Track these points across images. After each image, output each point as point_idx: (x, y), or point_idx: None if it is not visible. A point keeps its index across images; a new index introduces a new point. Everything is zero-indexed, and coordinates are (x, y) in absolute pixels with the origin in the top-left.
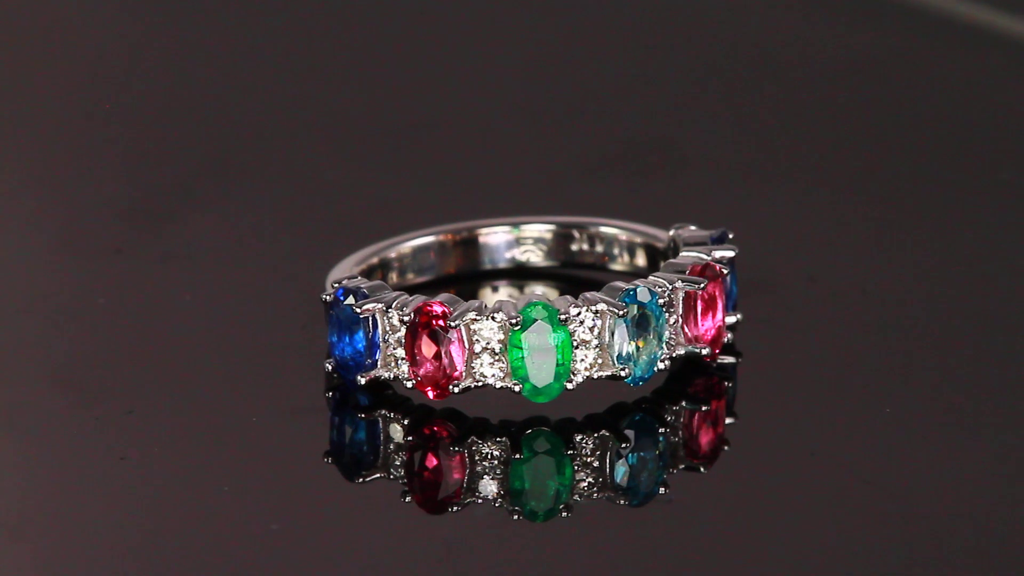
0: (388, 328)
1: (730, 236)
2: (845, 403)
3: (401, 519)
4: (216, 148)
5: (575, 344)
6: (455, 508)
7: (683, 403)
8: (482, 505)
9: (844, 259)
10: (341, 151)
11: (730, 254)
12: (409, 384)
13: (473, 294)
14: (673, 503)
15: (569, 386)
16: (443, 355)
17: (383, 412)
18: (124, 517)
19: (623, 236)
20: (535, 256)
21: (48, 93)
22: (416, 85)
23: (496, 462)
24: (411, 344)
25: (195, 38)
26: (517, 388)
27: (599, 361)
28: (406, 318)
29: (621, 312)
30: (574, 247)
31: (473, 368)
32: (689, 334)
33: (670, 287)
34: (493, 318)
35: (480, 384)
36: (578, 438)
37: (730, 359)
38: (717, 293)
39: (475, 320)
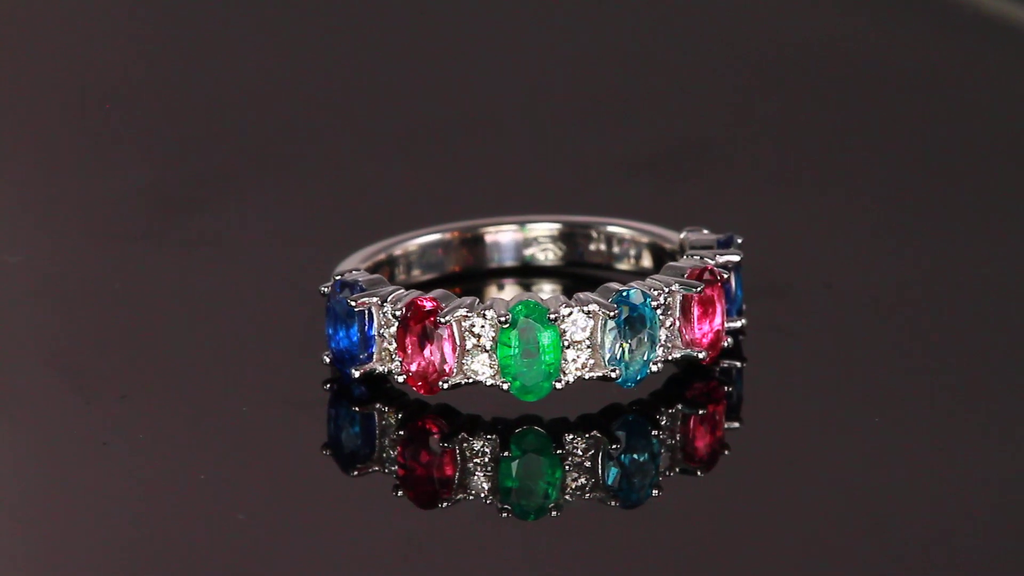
0: (383, 322)
1: (739, 241)
2: (849, 411)
3: (378, 515)
4: (246, 143)
5: (566, 344)
6: (445, 504)
7: (679, 406)
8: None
9: (865, 268)
10: (376, 147)
11: (734, 259)
12: (400, 379)
13: (479, 292)
14: (663, 505)
15: (558, 385)
16: (433, 351)
17: (378, 406)
18: (107, 504)
19: (631, 236)
20: (552, 254)
21: (89, 82)
22: (458, 84)
23: (486, 459)
24: (402, 339)
25: (230, 41)
26: (506, 386)
27: (591, 361)
28: (397, 312)
29: (612, 313)
30: (591, 247)
31: (465, 365)
32: (686, 337)
33: (666, 290)
34: (484, 315)
35: (471, 381)
36: (569, 438)
37: (734, 364)
38: (716, 297)
39: (466, 317)
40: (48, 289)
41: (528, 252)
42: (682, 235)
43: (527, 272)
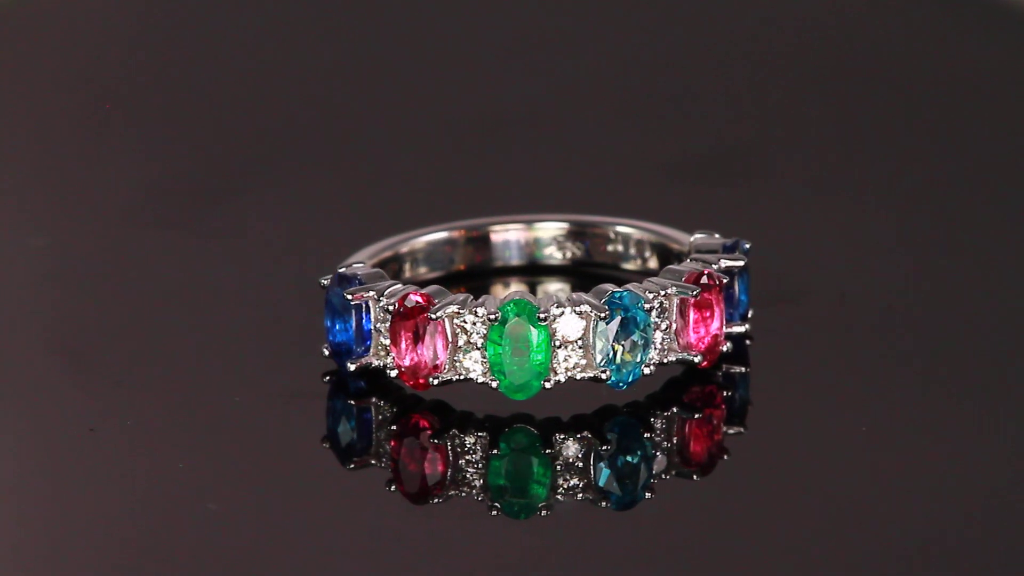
0: (379, 317)
1: (746, 246)
2: (852, 420)
3: (371, 509)
4: (271, 138)
5: (558, 344)
6: (436, 500)
7: (674, 409)
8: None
9: (885, 280)
10: (413, 142)
11: (737, 264)
12: (393, 374)
13: (485, 291)
14: (655, 508)
15: (547, 385)
16: (424, 347)
17: (374, 399)
18: (92, 490)
19: (642, 237)
20: (570, 253)
21: (122, 72)
22: (499, 85)
23: (476, 456)
24: (394, 333)
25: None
26: (495, 384)
27: (583, 362)
28: (390, 307)
29: (603, 314)
30: (609, 248)
31: (456, 361)
32: (682, 341)
33: (662, 293)
34: (475, 312)
35: (462, 378)
36: (559, 437)
37: (737, 369)
38: (715, 302)
39: (458, 314)
40: (64, 273)
41: (547, 251)
42: (692, 238)
43: (535, 271)
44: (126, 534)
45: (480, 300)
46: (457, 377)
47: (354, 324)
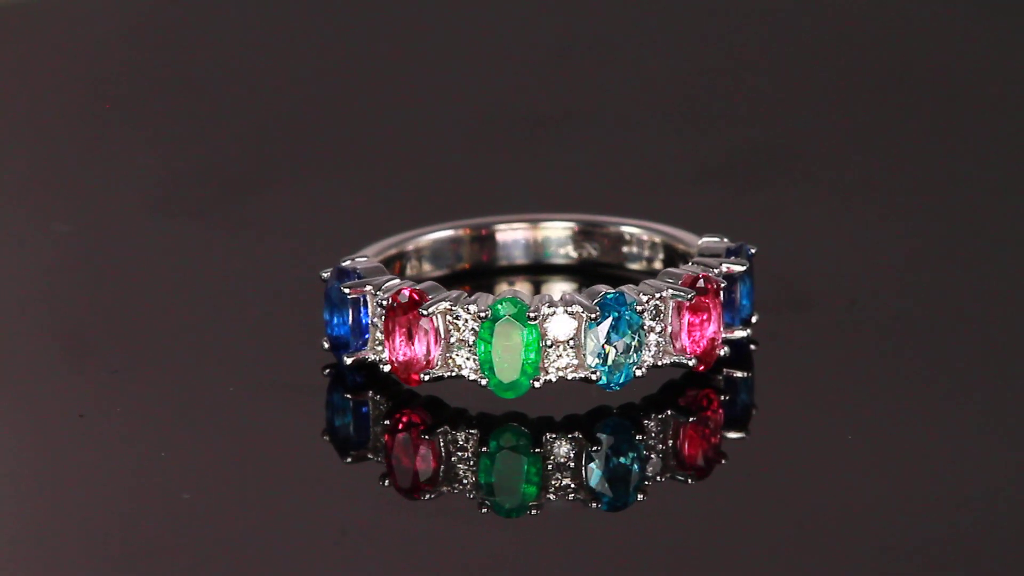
0: (376, 312)
1: (751, 251)
2: (853, 428)
3: (365, 503)
4: (299, 134)
5: (548, 343)
6: (428, 496)
7: (669, 412)
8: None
9: (900, 288)
10: (439, 141)
11: (739, 269)
12: (386, 368)
13: (490, 290)
14: (646, 510)
15: (536, 384)
16: (417, 342)
17: (370, 393)
18: (81, 477)
19: (647, 238)
20: (586, 253)
21: (157, 63)
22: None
23: (467, 453)
24: (388, 328)
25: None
26: (484, 382)
27: (575, 362)
28: (383, 302)
29: (593, 315)
30: (625, 249)
31: (448, 358)
32: (677, 344)
33: (657, 295)
34: (467, 309)
35: (454, 374)
36: (550, 437)
37: (737, 373)
38: (712, 306)
39: (449, 310)
40: (81, 259)
41: (563, 250)
42: (700, 241)
43: (540, 270)
44: (105, 522)
45: (473, 297)
46: (449, 374)
47: (350, 318)
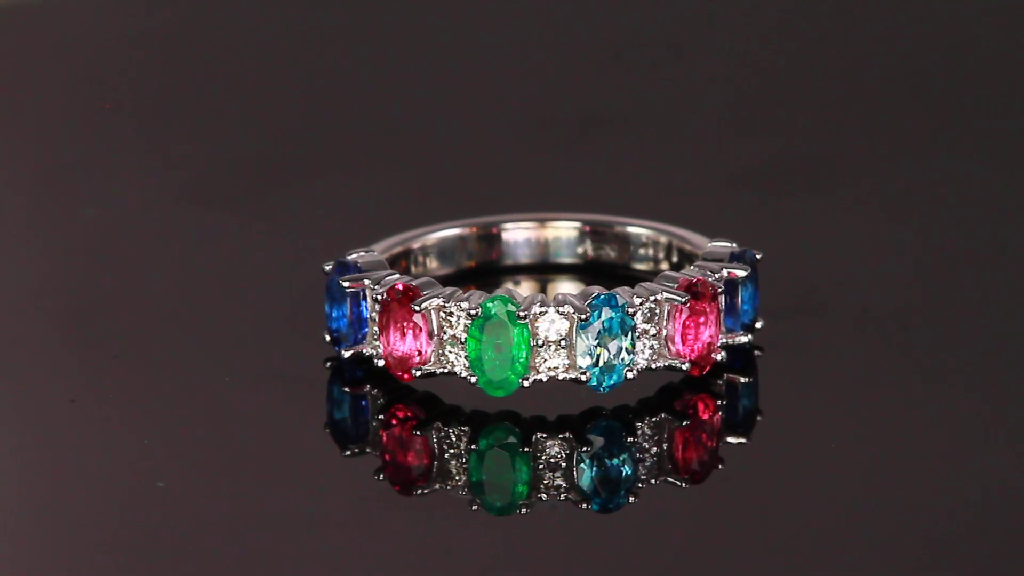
0: (373, 306)
1: (757, 256)
2: (853, 435)
3: (360, 497)
4: (327, 131)
5: (539, 343)
6: (420, 491)
7: (663, 415)
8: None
9: (915, 296)
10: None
11: (740, 273)
12: (380, 363)
13: (495, 287)
14: (637, 513)
15: (525, 383)
16: (409, 337)
17: (367, 387)
18: (71, 461)
19: (653, 238)
20: (594, 254)
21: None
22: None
23: (459, 451)
24: (382, 323)
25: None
26: (474, 379)
27: (566, 363)
28: (378, 297)
29: (584, 316)
30: (641, 251)
31: (441, 354)
32: (672, 348)
33: (651, 298)
34: (459, 306)
35: (446, 371)
36: (541, 436)
37: (738, 379)
38: (708, 310)
39: (442, 307)
40: (102, 245)
41: (580, 249)
42: (708, 245)
43: (546, 269)
44: (89, 509)
45: (466, 295)
46: (441, 370)
47: (348, 311)
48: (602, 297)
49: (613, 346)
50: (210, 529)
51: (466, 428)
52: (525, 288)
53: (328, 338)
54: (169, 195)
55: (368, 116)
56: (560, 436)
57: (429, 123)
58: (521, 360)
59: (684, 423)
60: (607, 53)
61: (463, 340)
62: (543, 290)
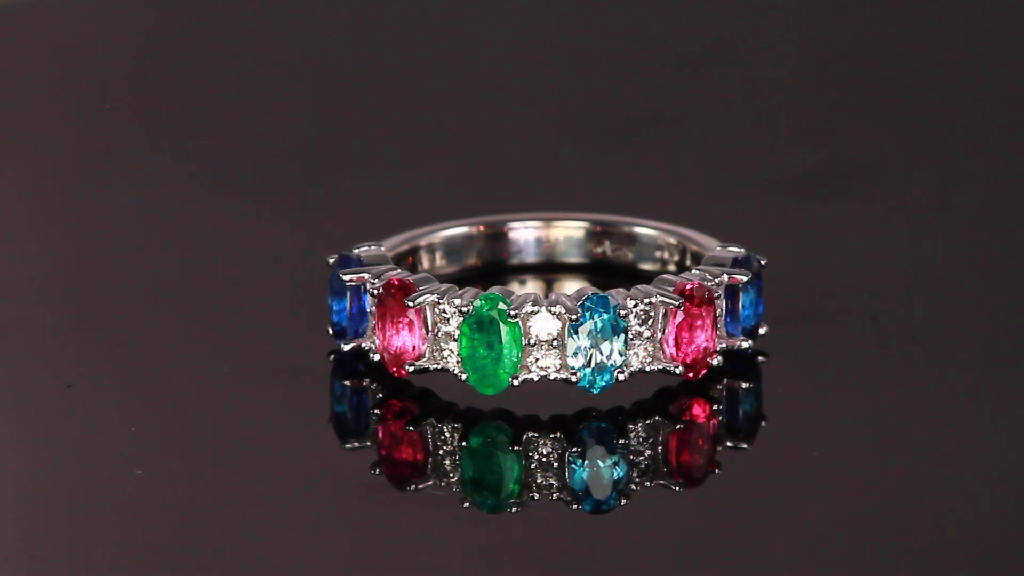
0: (373, 300)
1: (762, 262)
2: (853, 441)
3: (357, 492)
4: (366, 129)
5: (531, 342)
6: (415, 487)
7: (657, 417)
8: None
9: (928, 306)
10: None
11: (741, 278)
12: (376, 357)
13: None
14: (629, 514)
15: (515, 382)
16: (404, 333)
17: (367, 381)
18: (66, 448)
19: (663, 240)
20: (622, 256)
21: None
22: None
23: (452, 447)
24: (379, 317)
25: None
26: (464, 376)
27: (557, 362)
28: (375, 291)
29: (574, 317)
30: (657, 254)
31: (435, 350)
32: (666, 351)
33: (645, 301)
34: (452, 303)
35: (439, 367)
36: (533, 435)
37: (738, 383)
38: (704, 315)
39: (436, 303)
40: (133, 231)
41: (598, 250)
42: (715, 249)
43: (553, 269)
44: (87, 498)
45: (460, 292)
46: (435, 366)
47: (348, 305)
48: (594, 298)
49: (605, 347)
50: (207, 518)
51: (459, 425)
52: (531, 287)
53: (330, 331)
54: (207, 183)
55: (386, 114)
56: (552, 436)
57: (450, 121)
58: (512, 359)
59: (677, 426)
60: (656, 55)
61: (455, 337)
62: (549, 289)
